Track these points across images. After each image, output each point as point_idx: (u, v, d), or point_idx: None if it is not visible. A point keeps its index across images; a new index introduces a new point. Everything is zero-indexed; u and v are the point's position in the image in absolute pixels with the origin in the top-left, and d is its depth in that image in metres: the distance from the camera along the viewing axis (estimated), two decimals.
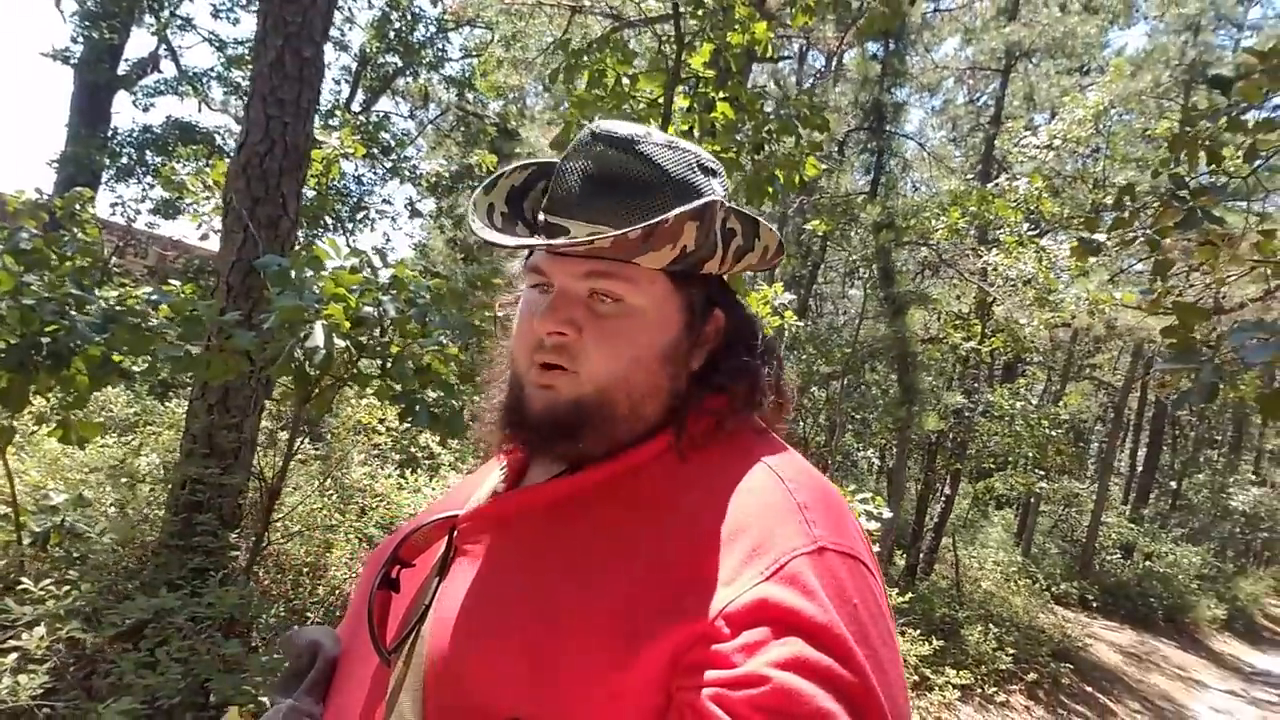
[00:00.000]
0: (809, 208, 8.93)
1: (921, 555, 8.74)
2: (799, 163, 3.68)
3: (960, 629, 6.98)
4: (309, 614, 3.45)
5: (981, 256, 8.07)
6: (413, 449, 6.21)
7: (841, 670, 0.54)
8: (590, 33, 6.87)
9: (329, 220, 10.42)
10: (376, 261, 3.04)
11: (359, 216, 12.83)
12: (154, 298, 3.02)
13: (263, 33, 3.95)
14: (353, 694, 0.71)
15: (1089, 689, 7.72)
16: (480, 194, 0.78)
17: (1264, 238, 3.16)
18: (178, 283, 4.67)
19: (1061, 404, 10.88)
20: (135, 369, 3.32)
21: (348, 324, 2.50)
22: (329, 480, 4.66)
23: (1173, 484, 20.63)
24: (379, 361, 2.87)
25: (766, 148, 3.51)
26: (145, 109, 14.74)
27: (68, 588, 2.29)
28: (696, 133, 3.67)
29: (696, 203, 0.67)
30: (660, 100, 3.60)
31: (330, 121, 10.14)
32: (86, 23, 10.72)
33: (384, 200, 20.77)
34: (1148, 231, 3.31)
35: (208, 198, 6.55)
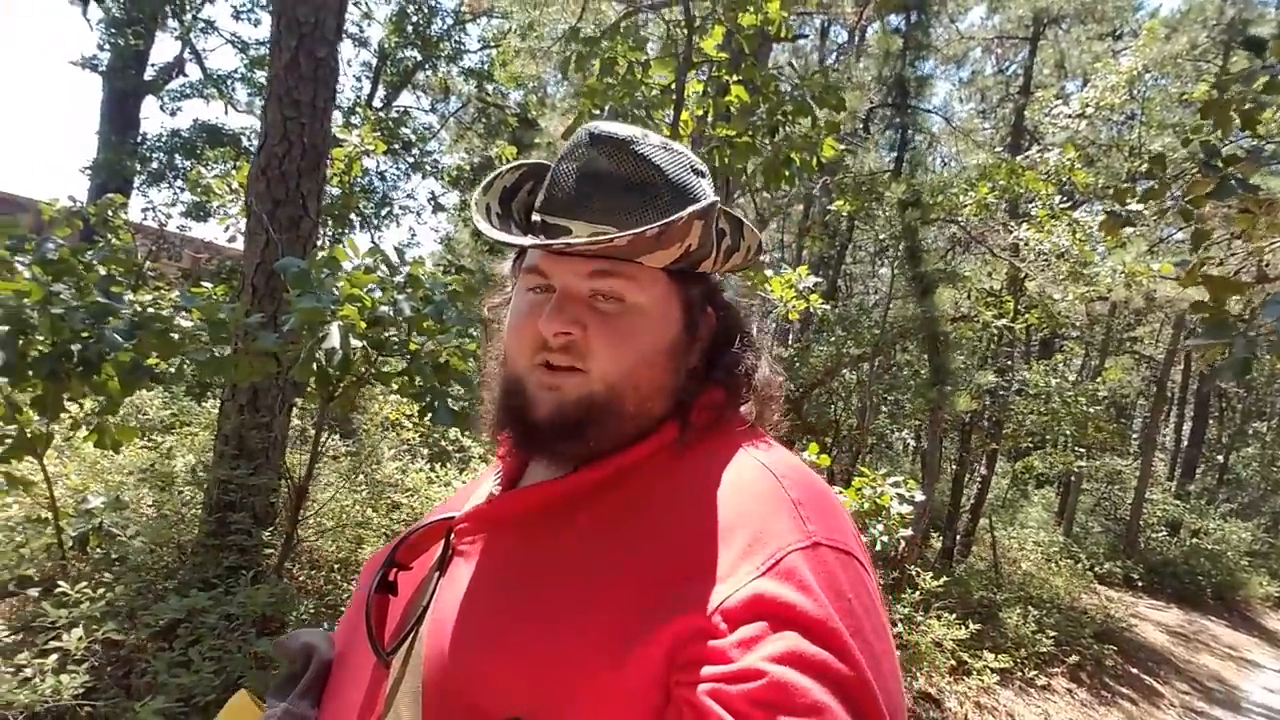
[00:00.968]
0: (833, 187, 8.79)
1: (958, 538, 8.63)
2: (816, 144, 3.61)
3: (999, 611, 6.88)
4: (341, 610, 3.51)
5: (1012, 232, 7.89)
6: (443, 443, 6.27)
7: (837, 664, 0.54)
8: (604, 19, 6.82)
9: (355, 218, 10.52)
10: (395, 259, 3.06)
11: (384, 213, 12.94)
12: (182, 303, 3.07)
13: (277, 34, 3.98)
14: (350, 696, 0.72)
15: (1134, 670, 7.57)
16: (479, 194, 0.80)
17: None
18: (210, 284, 4.75)
19: (1100, 379, 10.63)
20: (165, 373, 3.38)
21: (363, 324, 2.51)
22: (359, 476, 4.73)
23: (1220, 458, 20.12)
24: (400, 359, 2.89)
25: (782, 130, 3.45)
26: (173, 113, 15.02)
27: (103, 590, 2.35)
28: (711, 117, 3.63)
29: (704, 203, 0.69)
30: (673, 86, 3.56)
31: (352, 119, 10.22)
32: (113, 30, 10.92)
33: (408, 195, 20.93)
34: (1181, 202, 3.20)
35: (234, 200, 6.65)
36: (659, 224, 0.66)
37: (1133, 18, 13.68)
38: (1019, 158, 9.10)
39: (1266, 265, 7.18)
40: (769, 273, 6.10)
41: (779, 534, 0.62)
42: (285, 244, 3.78)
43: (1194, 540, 14.30)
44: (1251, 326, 2.01)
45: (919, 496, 5.02)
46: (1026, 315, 8.35)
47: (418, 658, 0.67)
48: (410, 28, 12.34)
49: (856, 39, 11.70)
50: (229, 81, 12.63)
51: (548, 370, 0.72)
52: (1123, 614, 9.10)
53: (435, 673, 0.65)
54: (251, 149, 12.20)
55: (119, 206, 7.24)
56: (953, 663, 5.44)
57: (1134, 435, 18.27)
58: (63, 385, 2.89)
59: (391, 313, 2.55)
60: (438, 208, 15.12)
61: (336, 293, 2.67)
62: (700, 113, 3.79)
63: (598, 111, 3.38)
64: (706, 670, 0.55)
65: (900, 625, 5.26)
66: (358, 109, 11.54)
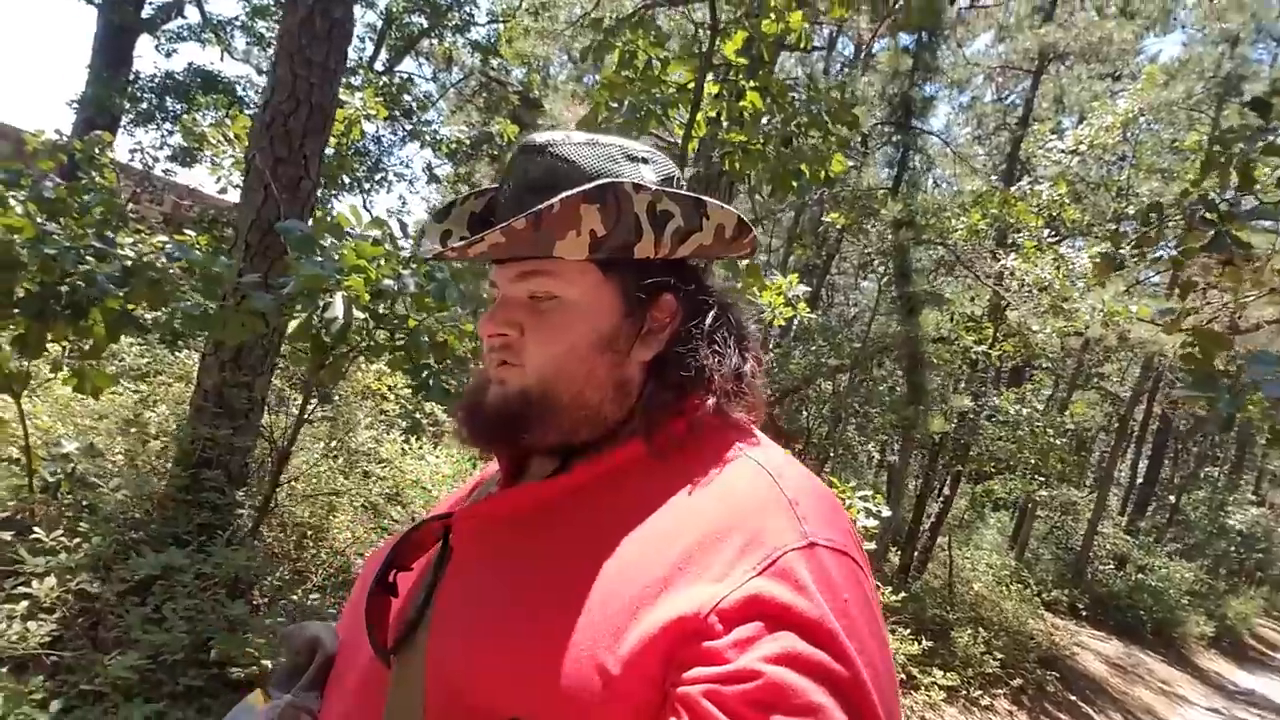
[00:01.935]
0: (828, 199, 8.85)
1: (916, 554, 8.78)
2: (825, 158, 3.64)
3: (950, 630, 7.02)
4: (310, 575, 3.49)
5: (999, 260, 8.01)
6: (418, 415, 6.23)
7: (833, 664, 0.55)
8: (621, 9, 6.79)
9: (345, 180, 10.38)
10: (397, 232, 3.03)
11: (376, 178, 12.78)
12: (175, 253, 3.02)
13: None
14: (351, 692, 0.72)
15: (1073, 698, 7.77)
16: (431, 223, 0.81)
17: None
18: (192, 232, 4.67)
19: (1068, 413, 10.85)
20: (152, 322, 3.33)
21: (367, 296, 2.50)
22: (335, 443, 4.69)
23: (1171, 498, 20.62)
24: (394, 333, 2.87)
25: (795, 141, 3.47)
26: (168, 54, 14.67)
27: (78, 539, 2.31)
28: (725, 121, 3.64)
29: (585, 186, 0.67)
30: (689, 86, 3.56)
31: (353, 80, 10.06)
32: None
33: (403, 164, 20.69)
34: (1172, 252, 3.28)
35: (227, 150, 6.53)
36: (525, 214, 0.66)
37: (1134, 61, 13.92)
38: (1012, 188, 9.24)
39: (1239, 318, 7.37)
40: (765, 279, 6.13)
41: (775, 534, 0.62)
42: (284, 204, 3.73)
43: (1139, 576, 14.68)
44: (1236, 382, 2.08)
45: (885, 512, 5.10)
46: (1004, 343, 8.50)
47: (419, 657, 0.67)
48: None
49: (864, 53, 11.76)
50: (228, 28, 12.37)
51: (497, 365, 0.75)
52: (1066, 641, 9.33)
53: (437, 673, 0.65)
54: (247, 99, 11.95)
55: (106, 145, 7.07)
56: (903, 676, 5.55)
57: (1091, 469, 18.67)
58: (47, 326, 2.83)
59: (396, 287, 2.53)
60: (433, 179, 14.96)
61: (338, 260, 2.64)
62: (713, 114, 3.80)
63: (615, 105, 3.38)
64: (703, 671, 0.55)
65: None
66: (359, 70, 11.37)
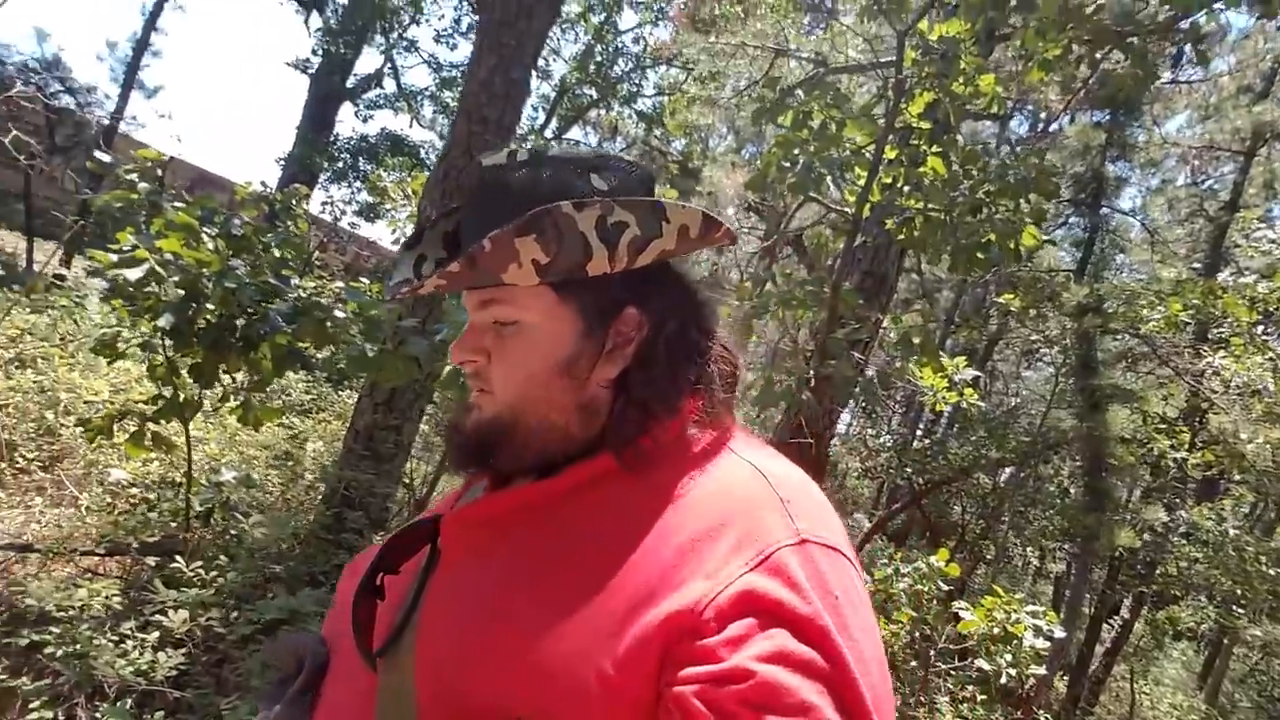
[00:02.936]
0: (1000, 279, 8.26)
1: (1087, 684, 7.72)
2: (1017, 230, 3.29)
3: None
4: None
5: (1203, 356, 7.10)
6: None
7: (824, 662, 0.55)
8: (791, 75, 6.72)
9: None
10: None
11: None
12: (345, 294, 3.10)
13: (477, 53, 4.07)
14: (341, 699, 0.72)
15: None
16: (403, 251, 0.80)
17: None
18: (367, 280, 4.86)
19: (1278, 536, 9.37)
20: (315, 358, 3.43)
21: None
22: None
23: None
24: None
25: (984, 210, 3.16)
26: (365, 119, 16.15)
27: (215, 574, 2.31)
28: (904, 186, 3.38)
29: (518, 220, 0.65)
30: (866, 149, 3.34)
31: (524, 144, 10.61)
32: (327, 38, 11.88)
33: None
34: None
35: (405, 205, 6.94)
36: (459, 257, 0.66)
37: None
38: (1217, 277, 8.27)
39: None
40: (915, 357, 5.70)
41: (768, 531, 0.62)
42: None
43: None
44: None
45: (1058, 633, 4.45)
46: (1205, 451, 7.46)
47: (408, 662, 0.67)
48: (593, 66, 12.79)
49: (1047, 128, 11.11)
50: (419, 97, 13.47)
51: (475, 392, 0.75)
52: None
53: (428, 677, 0.65)
54: (428, 161, 12.90)
55: (302, 197, 7.75)
56: None
57: None
58: (221, 356, 2.95)
59: None
60: None
61: None
62: (890, 180, 3.55)
63: (786, 164, 3.21)
64: (695, 670, 0.55)
65: None
66: (531, 136, 12.03)
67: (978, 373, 5.69)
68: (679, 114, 11.04)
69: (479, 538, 0.71)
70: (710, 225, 0.72)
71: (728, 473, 0.68)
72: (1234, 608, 9.05)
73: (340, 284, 3.31)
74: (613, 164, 0.74)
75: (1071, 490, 7.61)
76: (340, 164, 12.98)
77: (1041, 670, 4.36)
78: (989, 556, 9.59)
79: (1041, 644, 4.33)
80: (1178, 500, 7.90)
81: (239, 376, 3.82)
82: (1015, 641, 4.43)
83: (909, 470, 8.75)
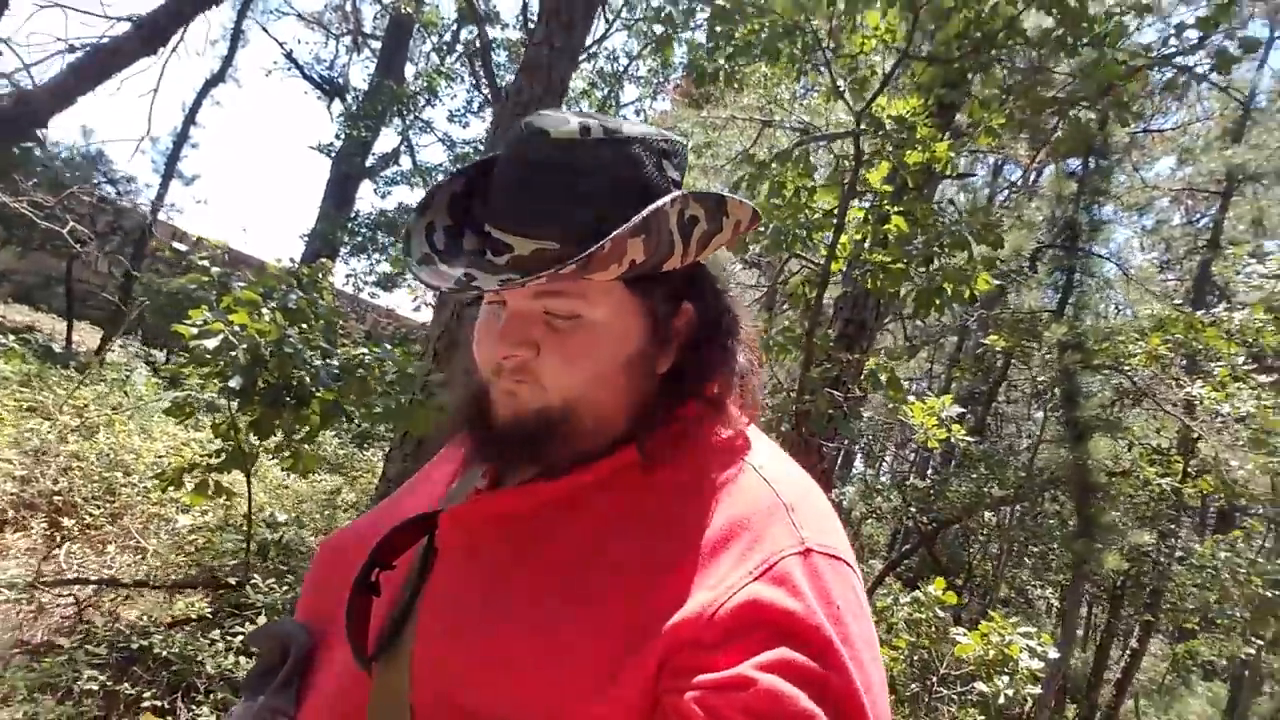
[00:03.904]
0: (989, 322, 8.68)
1: (1098, 713, 7.82)
2: (970, 277, 3.72)
3: None
4: None
5: (1184, 388, 7.43)
6: None
7: (825, 672, 0.55)
8: (777, 144, 7.29)
9: None
10: None
11: None
12: (380, 356, 3.57)
13: (492, 136, 4.63)
14: (330, 695, 0.70)
15: None
16: (415, 220, 0.73)
17: None
18: (389, 345, 5.35)
19: None
20: (356, 413, 3.88)
21: None
22: None
23: None
24: None
25: (937, 260, 3.60)
26: (383, 196, 16.98)
27: (286, 588, 2.71)
28: (868, 243, 3.84)
29: (636, 219, 0.62)
30: (834, 213, 3.81)
31: None
32: (348, 123, 12.70)
33: None
34: None
35: None
36: (574, 261, 0.61)
37: None
38: (1203, 313, 8.61)
39: None
40: (910, 398, 6.10)
41: (773, 539, 0.62)
42: (468, 318, 4.29)
43: None
44: None
45: (1052, 653, 4.69)
46: (1198, 480, 7.71)
47: (404, 662, 0.66)
48: None
49: (1031, 178, 11.64)
50: (434, 173, 14.24)
51: (512, 383, 0.69)
52: None
53: (424, 673, 0.64)
54: None
55: (328, 271, 8.32)
56: None
57: None
58: (277, 413, 3.40)
59: None
60: None
61: None
62: (859, 238, 4.01)
63: (763, 228, 3.68)
64: (696, 678, 0.56)
65: None
66: None
67: (963, 409, 6.05)
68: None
69: (480, 536, 0.70)
70: (755, 219, 0.72)
71: (734, 479, 0.68)
72: (1251, 637, 9.11)
73: (363, 350, 3.76)
74: (678, 148, 0.72)
75: (1070, 523, 7.85)
76: (360, 238, 13.67)
77: (1037, 689, 4.60)
78: (1002, 595, 9.71)
79: (1037, 665, 4.58)
80: (1172, 527, 8.10)
81: (284, 432, 4.28)
82: (1011, 663, 4.68)
83: (913, 510, 8.98)
